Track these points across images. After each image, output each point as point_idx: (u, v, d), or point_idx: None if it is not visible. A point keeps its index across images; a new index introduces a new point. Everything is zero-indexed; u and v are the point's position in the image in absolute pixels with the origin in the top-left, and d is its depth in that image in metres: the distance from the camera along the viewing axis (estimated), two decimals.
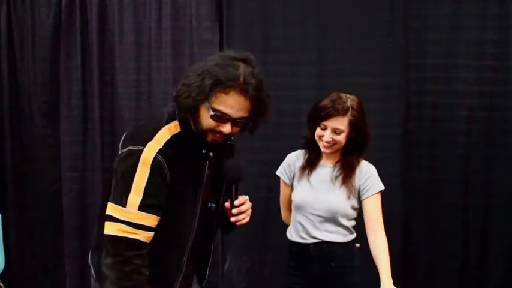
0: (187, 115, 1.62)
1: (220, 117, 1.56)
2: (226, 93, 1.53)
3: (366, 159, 2.27)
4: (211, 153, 1.71)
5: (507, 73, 3.15)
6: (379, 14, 3.16)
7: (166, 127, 1.67)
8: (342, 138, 2.14)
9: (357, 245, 2.31)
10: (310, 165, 2.24)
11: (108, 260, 1.65)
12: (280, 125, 3.23)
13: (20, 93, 3.56)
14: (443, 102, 3.19)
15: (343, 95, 2.15)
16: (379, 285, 2.02)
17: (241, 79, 1.53)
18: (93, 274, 1.86)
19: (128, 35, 3.38)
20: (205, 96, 1.54)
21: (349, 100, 2.13)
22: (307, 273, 2.24)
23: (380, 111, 3.12)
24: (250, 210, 1.79)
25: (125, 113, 3.40)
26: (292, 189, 2.30)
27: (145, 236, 1.63)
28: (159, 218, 1.65)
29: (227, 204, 1.74)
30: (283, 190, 2.38)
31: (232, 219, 1.73)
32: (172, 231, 1.73)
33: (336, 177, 2.20)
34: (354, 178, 2.20)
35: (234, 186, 1.73)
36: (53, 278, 3.64)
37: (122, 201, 1.62)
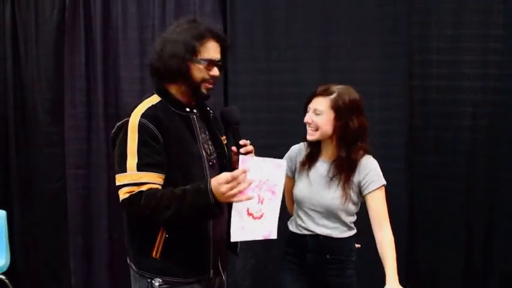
0: (180, 77, 1.84)
1: (210, 63, 1.85)
2: (206, 45, 1.85)
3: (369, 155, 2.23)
4: (194, 110, 1.93)
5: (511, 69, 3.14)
6: (383, 10, 3.15)
7: (145, 101, 1.88)
8: (321, 120, 2.10)
9: (357, 245, 2.29)
10: (309, 159, 2.23)
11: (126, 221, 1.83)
12: (284, 121, 3.24)
13: (24, 90, 3.58)
14: (447, 98, 3.18)
15: (334, 85, 2.14)
16: (384, 283, 2.01)
17: (210, 30, 1.87)
18: (134, 267, 1.92)
19: (132, 32, 3.39)
20: (194, 53, 1.82)
21: (338, 88, 2.11)
22: (302, 261, 2.24)
23: (384, 107, 3.12)
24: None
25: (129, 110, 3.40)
26: (294, 182, 2.30)
27: (148, 187, 1.74)
28: (162, 175, 1.77)
29: (234, 148, 1.90)
30: (286, 182, 2.36)
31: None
32: None
33: (332, 173, 2.17)
34: (351, 174, 2.16)
35: (235, 128, 1.90)
36: (58, 276, 3.65)
37: (122, 168, 1.76)
